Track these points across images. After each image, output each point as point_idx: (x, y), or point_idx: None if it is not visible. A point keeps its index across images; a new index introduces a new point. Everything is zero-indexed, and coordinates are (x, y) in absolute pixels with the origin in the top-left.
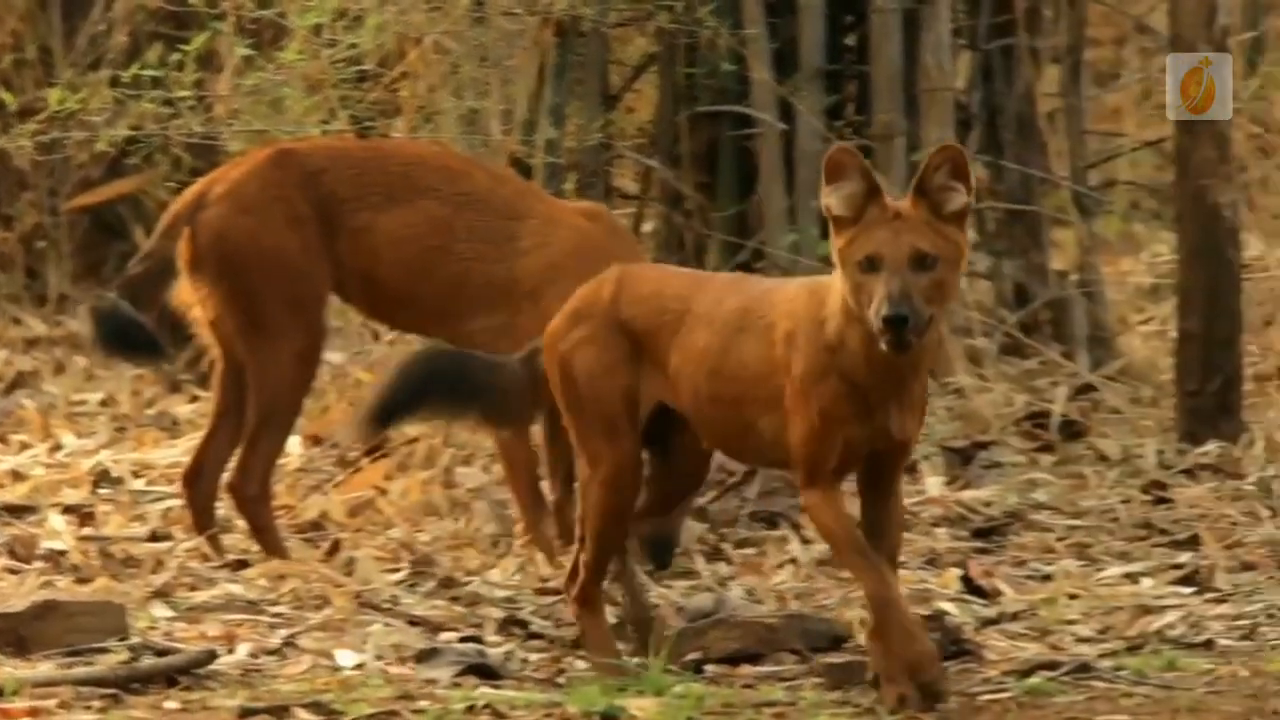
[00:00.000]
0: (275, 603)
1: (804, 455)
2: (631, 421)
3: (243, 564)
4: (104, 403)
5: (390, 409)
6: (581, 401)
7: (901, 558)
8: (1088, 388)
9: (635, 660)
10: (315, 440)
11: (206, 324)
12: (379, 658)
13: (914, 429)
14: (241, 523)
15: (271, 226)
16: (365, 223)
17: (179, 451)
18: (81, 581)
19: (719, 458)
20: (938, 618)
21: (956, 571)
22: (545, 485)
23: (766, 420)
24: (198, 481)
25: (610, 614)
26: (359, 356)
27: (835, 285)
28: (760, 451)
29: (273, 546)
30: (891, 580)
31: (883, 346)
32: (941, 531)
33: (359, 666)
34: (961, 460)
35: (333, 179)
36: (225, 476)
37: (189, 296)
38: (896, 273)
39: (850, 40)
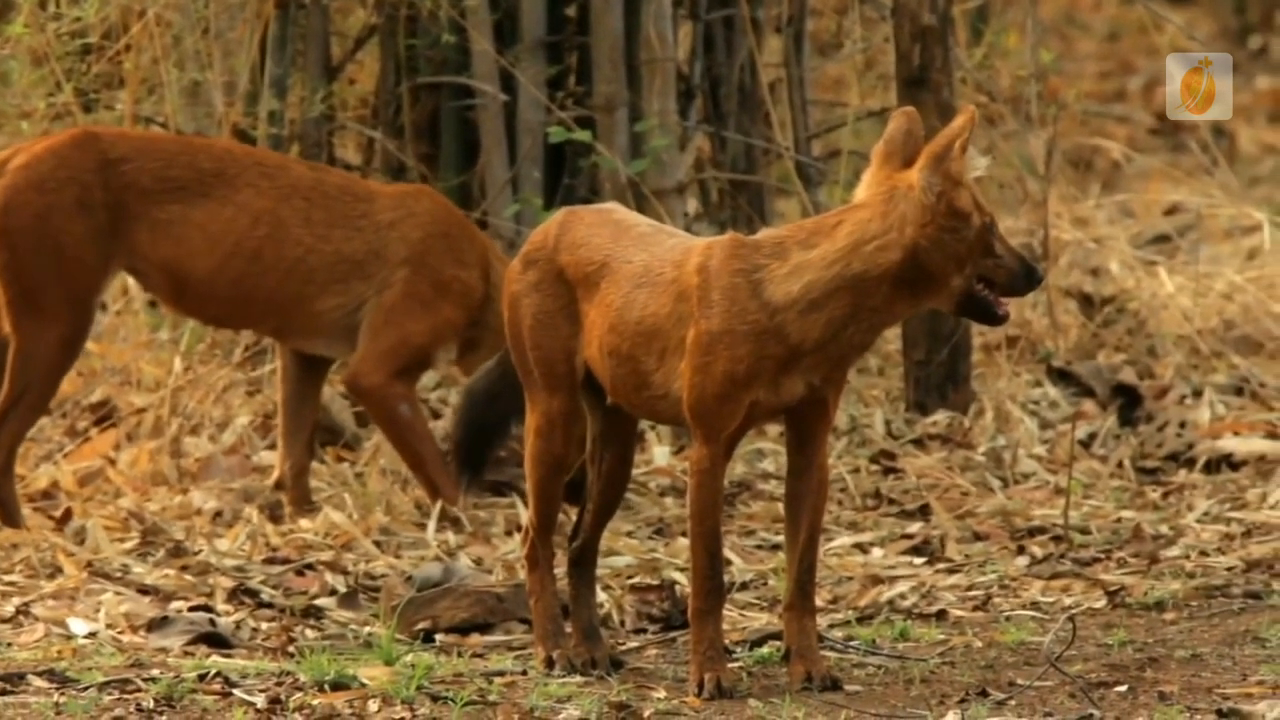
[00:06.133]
0: (8, 571)
1: (700, 414)
2: (569, 376)
3: None
4: None
5: (472, 458)
6: (523, 346)
7: (629, 527)
8: None
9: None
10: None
11: None
12: (111, 626)
13: (831, 391)
14: None
15: (61, 207)
16: (175, 215)
17: None
18: None
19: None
20: (668, 587)
21: (685, 541)
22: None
23: (659, 375)
24: None
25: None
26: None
27: (841, 241)
28: (654, 407)
29: (10, 518)
30: (715, 597)
31: (1004, 311)
32: (670, 501)
33: (91, 635)
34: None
35: (136, 169)
36: None
37: None
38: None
39: (571, 11)
